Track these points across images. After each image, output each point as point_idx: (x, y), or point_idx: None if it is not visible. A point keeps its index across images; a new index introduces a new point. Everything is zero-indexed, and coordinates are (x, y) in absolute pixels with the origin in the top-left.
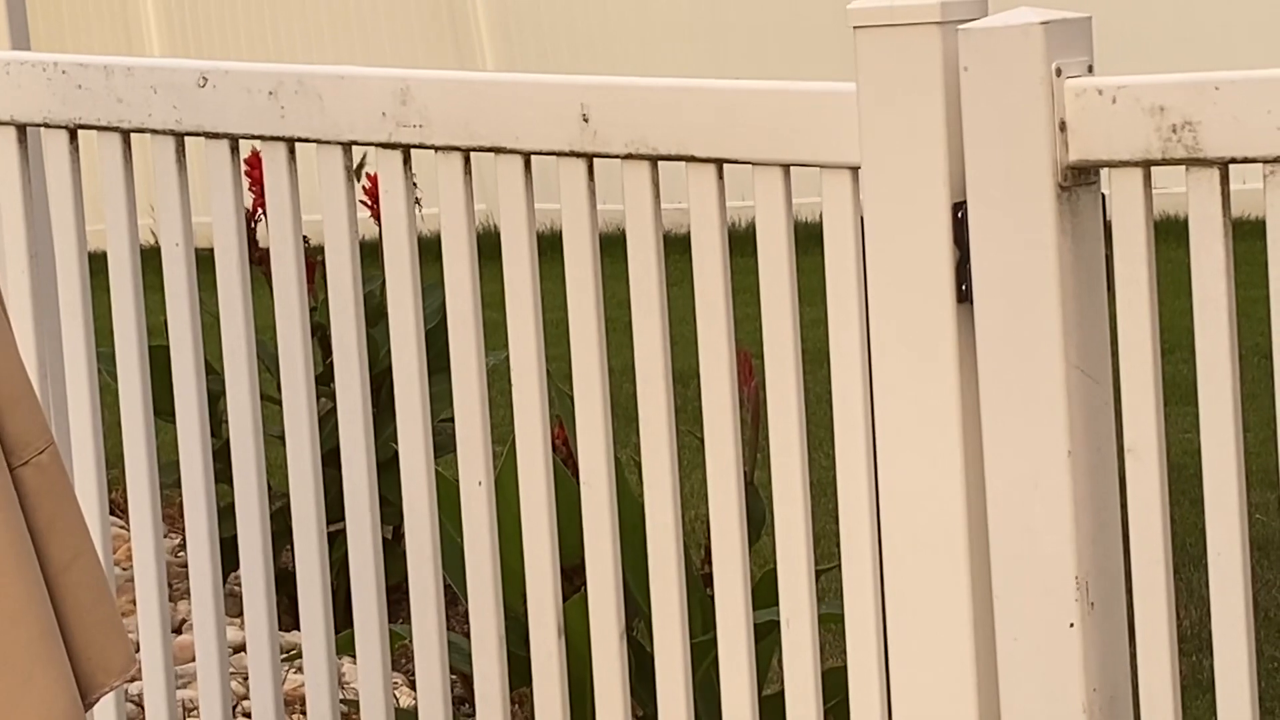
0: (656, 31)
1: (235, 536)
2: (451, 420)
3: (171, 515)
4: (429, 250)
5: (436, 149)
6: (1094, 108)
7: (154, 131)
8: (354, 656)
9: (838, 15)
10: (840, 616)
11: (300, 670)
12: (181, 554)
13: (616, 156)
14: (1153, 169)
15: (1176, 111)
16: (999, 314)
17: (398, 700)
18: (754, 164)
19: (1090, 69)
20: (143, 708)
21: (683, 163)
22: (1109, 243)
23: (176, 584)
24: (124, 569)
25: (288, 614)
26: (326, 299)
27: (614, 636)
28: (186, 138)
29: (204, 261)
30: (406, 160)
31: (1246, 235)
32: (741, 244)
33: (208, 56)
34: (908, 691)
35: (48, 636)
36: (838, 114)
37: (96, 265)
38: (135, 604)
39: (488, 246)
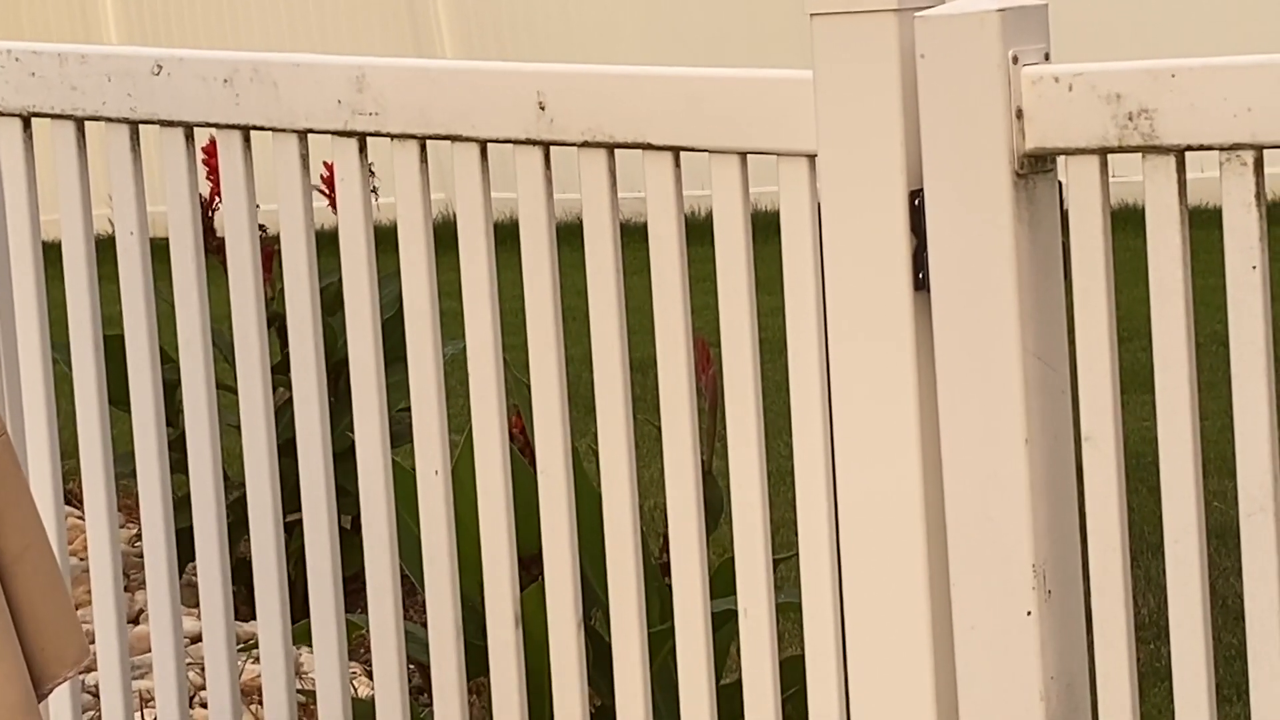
0: (616, 21)
1: (192, 527)
2: (409, 410)
3: (128, 505)
4: (386, 239)
5: (392, 137)
6: (1050, 95)
7: (108, 119)
8: (312, 647)
9: (797, 4)
10: (798, 605)
11: (257, 660)
12: (138, 544)
13: (573, 144)
14: (1109, 157)
15: (1133, 99)
16: (956, 302)
17: (355, 690)
18: (711, 152)
19: (1047, 56)
20: (98, 698)
21: (640, 151)
22: (1066, 231)
23: (133, 574)
24: (80, 559)
25: (245, 604)
26: (284, 288)
27: (571, 626)
28: (141, 126)
29: (160, 250)
30: (363, 148)
31: (1204, 223)
32: (700, 232)
33: (164, 45)
34: (865, 680)
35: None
36: (795, 102)
37: (51, 254)
38: (91, 594)
39: (445, 235)
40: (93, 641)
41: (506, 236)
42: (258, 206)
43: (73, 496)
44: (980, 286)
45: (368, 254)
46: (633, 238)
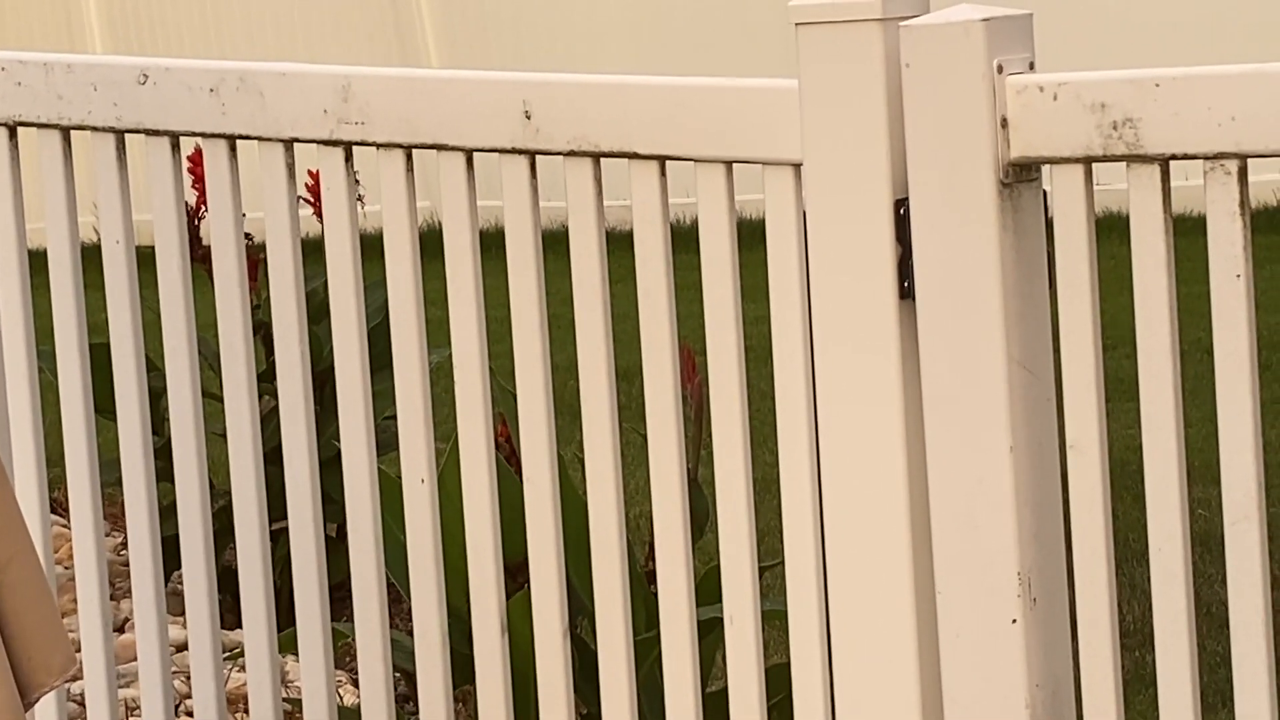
0: (602, 29)
1: (177, 535)
2: (394, 418)
3: (113, 514)
4: (372, 247)
5: (378, 146)
6: (1035, 104)
7: (94, 129)
8: (297, 655)
9: (782, 13)
10: (784, 613)
11: (243, 669)
12: (123, 552)
13: (559, 153)
14: (1094, 165)
15: (1117, 108)
16: (941, 310)
17: (341, 698)
18: (696, 160)
19: (1032, 66)
20: (84, 707)
21: (625, 159)
22: (1051, 239)
23: (118, 583)
24: (65, 568)
25: (231, 612)
26: (269, 296)
27: (557, 634)
28: (127, 135)
29: (146, 259)
30: (348, 157)
31: (1188, 232)
32: (685, 241)
33: (150, 54)
34: (851, 688)
35: None
36: (780, 111)
37: (37, 263)
38: (77, 603)
39: (431, 244)
40: (79, 650)
41: (492, 245)
42: (243, 215)
43: (58, 505)
44: (965, 295)
45: (353, 262)
46: (618, 246)
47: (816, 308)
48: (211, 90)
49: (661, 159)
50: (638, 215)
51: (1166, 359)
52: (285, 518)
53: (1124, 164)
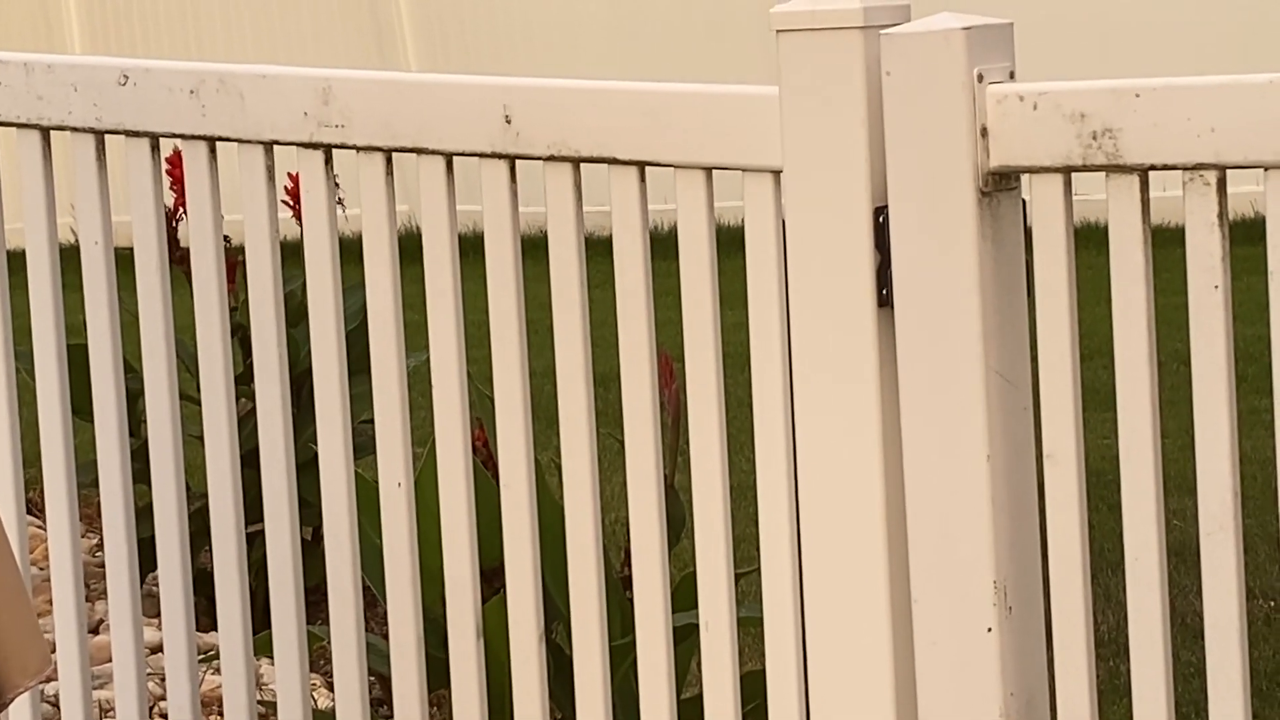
0: (582, 33)
1: (153, 537)
2: (372, 421)
3: (89, 515)
4: (351, 251)
5: (358, 149)
6: (1015, 114)
7: (74, 129)
8: (272, 658)
9: (762, 16)
10: (760, 620)
11: (218, 671)
12: (99, 554)
13: (538, 158)
14: (1073, 175)
15: (1097, 118)
16: (919, 318)
17: (316, 702)
18: (676, 166)
19: (1012, 75)
20: (59, 708)
21: (605, 165)
22: (1029, 248)
23: (94, 584)
24: (41, 569)
25: (206, 615)
26: (247, 299)
27: (533, 639)
28: (107, 136)
29: (124, 260)
30: (328, 160)
31: (1167, 243)
32: (665, 247)
33: (129, 55)
34: (826, 695)
35: None
36: (760, 117)
37: (15, 263)
38: (52, 604)
39: (410, 247)
40: (53, 651)
41: (471, 249)
42: (222, 217)
43: (34, 506)
44: (944, 303)
45: (332, 265)
46: (597, 251)
47: (795, 315)
48: (192, 92)
49: (641, 165)
50: (617, 221)
51: (1144, 369)
52: (261, 520)
53: (1103, 174)
